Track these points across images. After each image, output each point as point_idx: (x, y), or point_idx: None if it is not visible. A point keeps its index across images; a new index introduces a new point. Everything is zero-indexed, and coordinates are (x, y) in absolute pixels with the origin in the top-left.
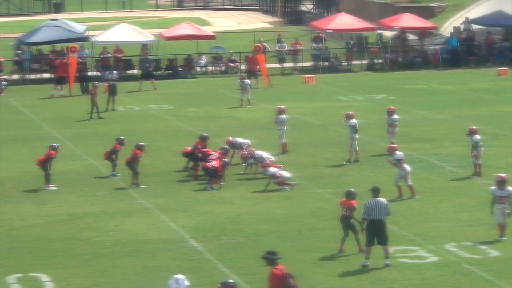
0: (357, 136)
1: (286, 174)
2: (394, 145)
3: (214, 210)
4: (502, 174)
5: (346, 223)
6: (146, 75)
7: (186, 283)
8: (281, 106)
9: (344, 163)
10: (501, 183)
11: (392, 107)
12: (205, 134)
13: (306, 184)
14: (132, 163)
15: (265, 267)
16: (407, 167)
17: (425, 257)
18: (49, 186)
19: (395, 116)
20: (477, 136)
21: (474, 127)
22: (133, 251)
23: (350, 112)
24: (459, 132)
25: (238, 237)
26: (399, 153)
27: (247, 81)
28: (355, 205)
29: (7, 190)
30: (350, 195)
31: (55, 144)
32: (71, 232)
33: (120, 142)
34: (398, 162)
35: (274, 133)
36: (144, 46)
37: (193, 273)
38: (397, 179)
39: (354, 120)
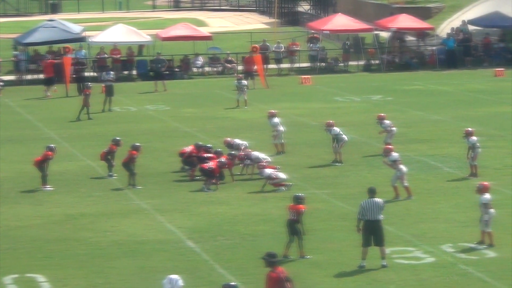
0: (343, 141)
1: (282, 175)
2: (389, 146)
3: (210, 210)
4: (484, 182)
5: (293, 227)
6: (158, 76)
7: (180, 283)
8: (273, 110)
9: (331, 163)
10: (480, 191)
11: (381, 114)
12: (200, 143)
13: (303, 185)
14: (128, 163)
15: (262, 267)
16: (403, 168)
17: (421, 258)
18: (46, 187)
19: (387, 122)
20: (474, 138)
21: (470, 129)
22: (130, 252)
23: (331, 121)
24: (455, 133)
25: (235, 238)
26: (394, 154)
27: (244, 82)
28: (303, 209)
29: (4, 191)
30: (298, 200)
31: (52, 145)
32: (68, 232)
33: (116, 143)
34: (394, 163)
35: (270, 134)
36: (141, 46)
37: (190, 274)
38: (394, 180)
39: (336, 129)
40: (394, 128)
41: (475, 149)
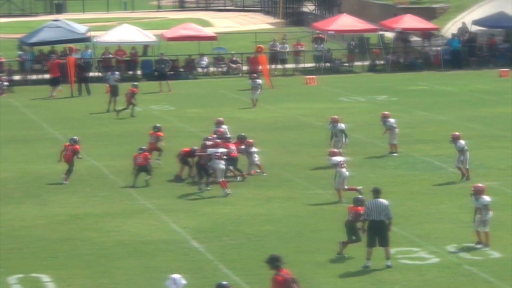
0: (347, 140)
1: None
2: (334, 150)
3: (215, 211)
4: (479, 184)
5: (351, 228)
6: (162, 76)
7: (183, 281)
8: (220, 118)
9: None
10: (477, 193)
11: (386, 112)
12: (195, 147)
13: (307, 185)
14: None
15: (267, 268)
16: (344, 171)
17: (426, 258)
18: (66, 181)
19: (391, 120)
20: (462, 142)
21: (457, 133)
22: (134, 252)
23: (336, 117)
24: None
25: (240, 238)
26: (337, 158)
27: (259, 81)
28: (362, 211)
29: (8, 191)
30: (357, 202)
31: (75, 137)
32: (73, 232)
33: (158, 129)
34: (335, 167)
35: (276, 134)
36: (146, 46)
37: (194, 274)
38: (337, 183)
39: (342, 124)
40: (396, 129)
41: (464, 153)
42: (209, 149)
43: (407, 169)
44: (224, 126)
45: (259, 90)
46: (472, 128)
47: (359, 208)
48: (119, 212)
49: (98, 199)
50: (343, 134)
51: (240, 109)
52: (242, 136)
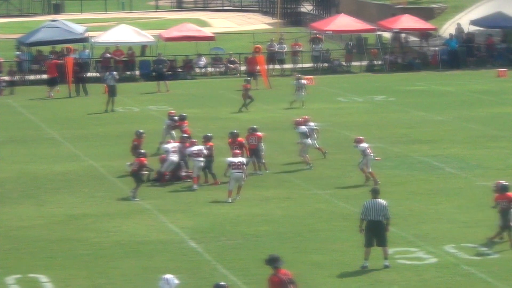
0: (309, 141)
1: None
2: (237, 151)
3: (213, 211)
4: (501, 181)
5: (506, 216)
6: (160, 76)
7: (176, 281)
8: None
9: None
10: (498, 189)
11: (298, 119)
12: (143, 151)
13: (305, 185)
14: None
15: (265, 268)
16: (235, 173)
17: (424, 259)
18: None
19: (311, 124)
20: (364, 145)
21: (360, 137)
22: (132, 252)
23: (299, 119)
24: (458, 134)
25: (237, 238)
26: (229, 159)
27: (304, 81)
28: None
29: (6, 191)
30: (504, 189)
31: (140, 131)
32: (70, 233)
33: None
34: (228, 167)
35: (274, 134)
36: (144, 47)
37: (192, 274)
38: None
39: (303, 127)
40: (308, 140)
41: (366, 156)
42: (189, 149)
43: (405, 169)
44: (168, 121)
45: (304, 90)
46: (470, 128)
47: (509, 194)
48: (117, 213)
49: (96, 199)
50: (304, 136)
51: (248, 110)
52: (254, 129)
